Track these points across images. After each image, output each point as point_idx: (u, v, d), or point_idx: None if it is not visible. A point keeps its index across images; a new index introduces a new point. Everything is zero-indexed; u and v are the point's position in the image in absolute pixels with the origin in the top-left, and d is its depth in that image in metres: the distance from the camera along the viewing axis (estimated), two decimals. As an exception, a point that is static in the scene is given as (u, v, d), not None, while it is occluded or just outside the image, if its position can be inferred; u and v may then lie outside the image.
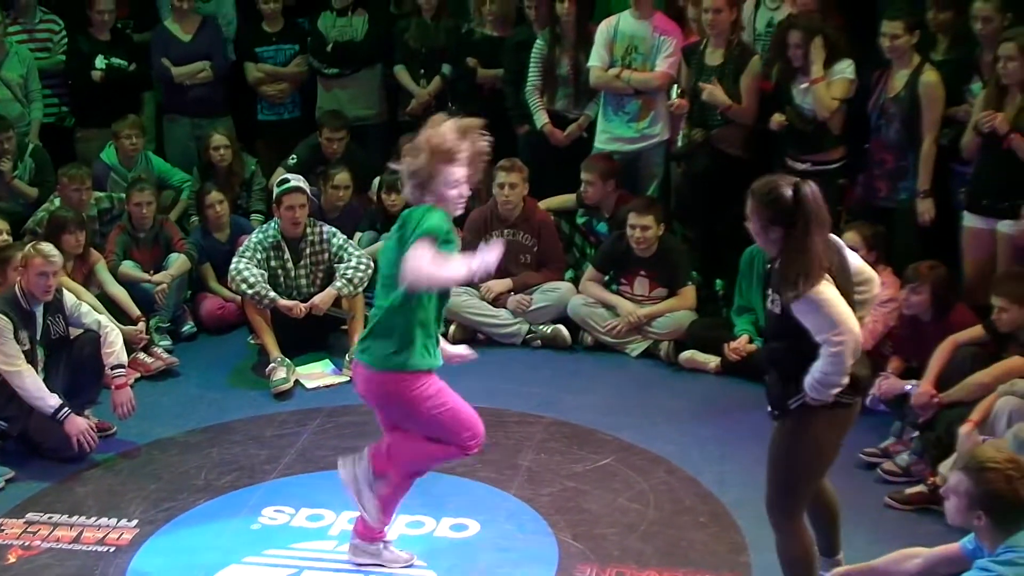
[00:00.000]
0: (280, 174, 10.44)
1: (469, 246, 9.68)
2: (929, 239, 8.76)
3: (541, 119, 10.28)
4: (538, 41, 10.28)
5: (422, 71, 11.11)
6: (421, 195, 5.95)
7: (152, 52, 11.20)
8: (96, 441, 7.82)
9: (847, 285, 5.55)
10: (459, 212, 6.13)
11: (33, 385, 7.71)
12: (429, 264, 5.65)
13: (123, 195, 10.14)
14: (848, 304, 5.43)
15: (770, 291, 5.60)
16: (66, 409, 7.72)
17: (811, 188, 5.52)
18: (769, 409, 5.74)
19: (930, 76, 8.54)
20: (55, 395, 7.78)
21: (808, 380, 5.44)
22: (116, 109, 10.89)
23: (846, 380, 5.42)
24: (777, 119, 9.19)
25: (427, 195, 5.94)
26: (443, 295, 6.10)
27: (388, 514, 6.43)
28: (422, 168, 5.90)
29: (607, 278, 9.72)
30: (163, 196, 10.67)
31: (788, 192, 5.46)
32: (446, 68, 11.01)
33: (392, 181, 9.79)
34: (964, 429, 6.96)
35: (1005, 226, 8.15)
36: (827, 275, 5.38)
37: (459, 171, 5.94)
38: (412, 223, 5.84)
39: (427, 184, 5.92)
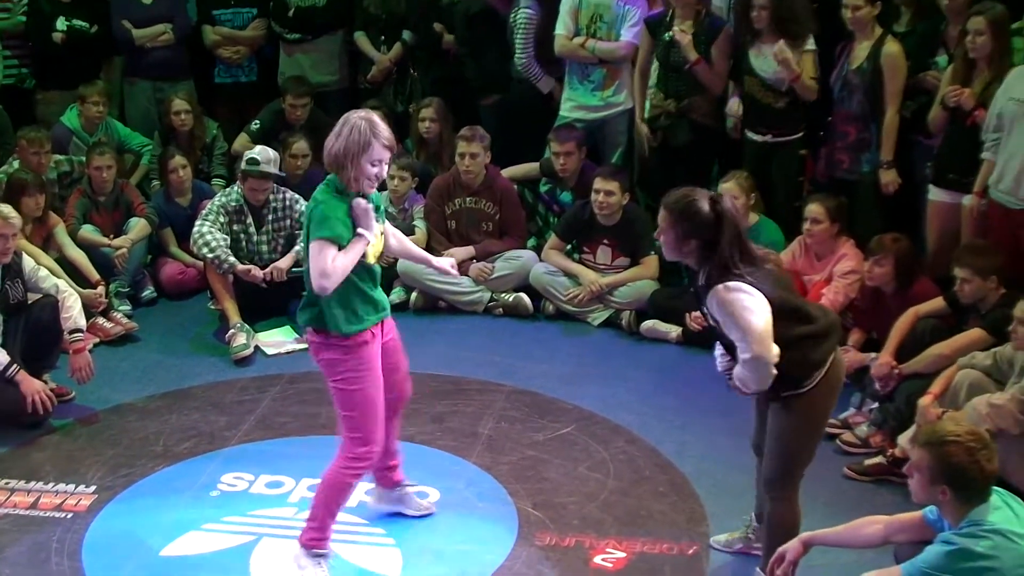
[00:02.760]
0: (244, 140, 10.40)
1: (432, 212, 9.77)
2: (891, 211, 8.78)
3: (548, 84, 10.33)
4: (523, 10, 10.21)
5: (383, 37, 11.04)
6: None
7: (113, 14, 11.07)
8: (53, 403, 7.76)
9: (785, 291, 5.64)
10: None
11: None
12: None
13: (83, 158, 10.06)
14: (785, 316, 5.50)
15: (705, 309, 5.66)
16: (14, 367, 7.66)
17: (729, 202, 5.63)
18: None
19: (892, 47, 8.54)
20: (3, 352, 7.73)
21: (735, 376, 5.54)
22: (77, 71, 10.81)
23: (769, 382, 5.45)
24: (735, 110, 9.24)
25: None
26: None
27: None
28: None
29: (569, 247, 9.71)
30: (123, 160, 10.59)
31: (706, 206, 5.51)
32: (407, 34, 10.95)
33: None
34: (924, 401, 7.00)
35: (969, 200, 8.16)
36: (745, 280, 5.42)
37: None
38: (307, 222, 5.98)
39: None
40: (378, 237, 6.02)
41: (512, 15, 10.23)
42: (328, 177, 6.01)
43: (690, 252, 5.57)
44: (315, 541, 6.12)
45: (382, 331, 6.15)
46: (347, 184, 5.90)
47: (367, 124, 5.87)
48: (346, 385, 5.99)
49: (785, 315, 5.50)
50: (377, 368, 6.06)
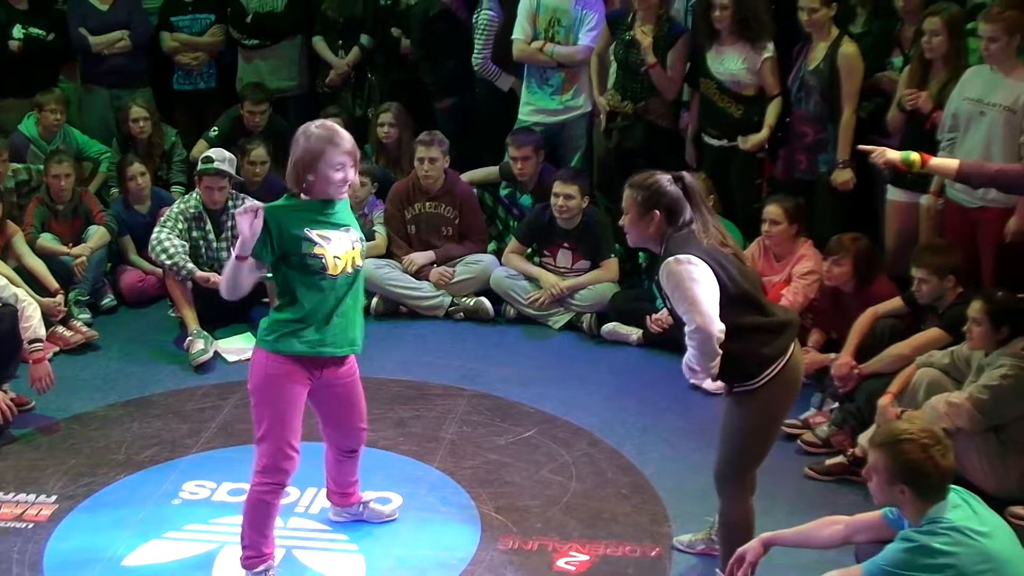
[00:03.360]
0: (202, 147, 10.35)
1: (392, 218, 9.77)
2: (849, 212, 8.83)
3: (507, 82, 10.33)
4: (485, 12, 10.22)
5: (340, 42, 11.04)
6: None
7: (69, 21, 11.03)
8: (13, 412, 7.71)
9: (744, 280, 5.62)
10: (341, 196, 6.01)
11: None
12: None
13: (41, 167, 10.00)
14: (743, 302, 5.54)
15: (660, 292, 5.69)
16: None
17: (691, 178, 5.64)
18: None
19: (848, 48, 8.60)
20: None
21: (684, 362, 5.54)
22: (35, 80, 10.76)
23: (713, 367, 5.45)
24: (690, 156, 9.33)
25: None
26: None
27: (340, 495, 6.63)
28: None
29: (530, 250, 9.72)
30: (82, 168, 10.54)
31: (667, 180, 5.57)
32: (364, 38, 10.95)
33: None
34: (883, 401, 7.04)
35: (927, 199, 8.20)
36: (703, 258, 5.44)
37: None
38: None
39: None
40: (350, 250, 5.94)
41: (475, 16, 10.24)
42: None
43: (654, 230, 5.56)
44: (252, 560, 6.09)
45: (322, 370, 6.08)
46: (303, 192, 5.90)
47: (323, 130, 5.87)
48: (255, 392, 5.99)
49: (740, 302, 5.52)
50: (287, 387, 5.95)
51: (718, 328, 5.36)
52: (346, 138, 5.89)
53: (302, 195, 5.94)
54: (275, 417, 5.93)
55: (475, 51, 10.23)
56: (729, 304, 5.45)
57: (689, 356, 5.48)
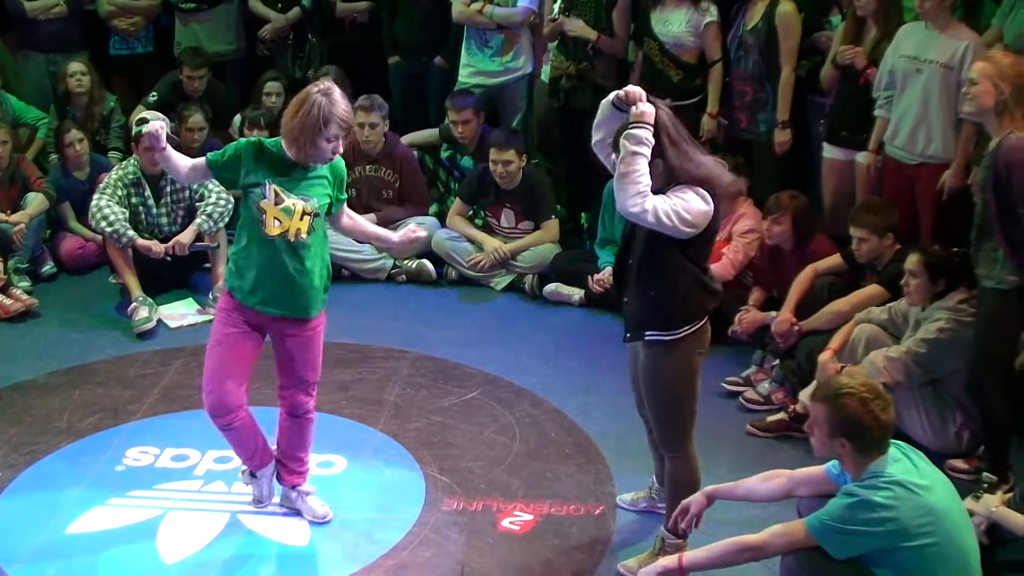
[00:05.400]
0: (140, 112, 10.27)
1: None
2: (788, 170, 8.87)
3: None
4: None
5: (279, 4, 10.99)
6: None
7: (5, -14, 10.94)
8: None
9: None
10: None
11: None
12: None
13: (-24, 135, 9.92)
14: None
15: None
16: None
17: (665, 110, 5.63)
18: (627, 334, 5.82)
19: (786, 7, 8.60)
20: None
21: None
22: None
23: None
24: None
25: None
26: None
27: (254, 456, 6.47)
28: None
29: (471, 212, 9.72)
30: (19, 134, 10.45)
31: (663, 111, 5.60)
32: (306, 0, 10.92)
33: (255, 117, 9.76)
34: (823, 357, 7.10)
35: (863, 157, 8.25)
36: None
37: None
38: None
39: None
40: (295, 214, 5.89)
41: None
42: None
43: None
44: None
45: (263, 322, 6.12)
46: (295, 156, 5.88)
47: (326, 101, 5.77)
48: None
49: (702, 246, 5.60)
50: (223, 328, 6.09)
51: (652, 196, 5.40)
52: (344, 109, 5.82)
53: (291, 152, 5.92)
54: (211, 356, 6.12)
55: None
56: (695, 244, 5.54)
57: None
